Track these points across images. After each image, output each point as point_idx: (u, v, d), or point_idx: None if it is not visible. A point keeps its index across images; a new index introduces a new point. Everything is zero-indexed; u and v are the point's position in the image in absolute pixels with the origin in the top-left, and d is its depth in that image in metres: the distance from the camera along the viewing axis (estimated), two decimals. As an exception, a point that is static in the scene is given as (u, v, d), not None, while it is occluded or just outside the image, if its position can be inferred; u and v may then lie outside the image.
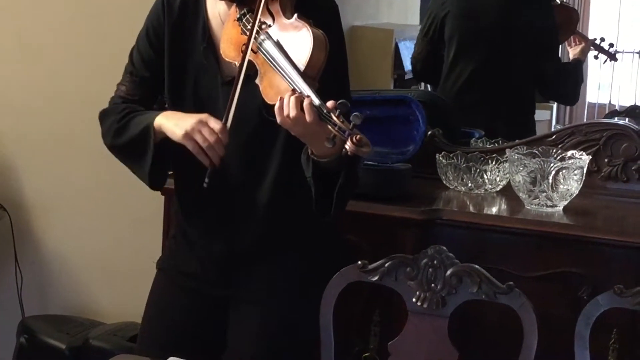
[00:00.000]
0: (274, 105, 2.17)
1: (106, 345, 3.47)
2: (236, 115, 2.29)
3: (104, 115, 2.50)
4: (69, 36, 3.79)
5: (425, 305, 2.33)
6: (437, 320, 2.32)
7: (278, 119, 2.13)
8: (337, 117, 2.00)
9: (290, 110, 2.09)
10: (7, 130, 3.91)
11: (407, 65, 4.10)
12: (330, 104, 2.03)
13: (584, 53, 3.93)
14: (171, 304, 2.53)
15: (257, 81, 2.23)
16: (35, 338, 3.61)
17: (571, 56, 3.95)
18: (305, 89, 2.09)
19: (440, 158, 3.24)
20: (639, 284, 2.26)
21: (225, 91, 2.34)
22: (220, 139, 2.25)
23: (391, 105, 3.40)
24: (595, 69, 4.13)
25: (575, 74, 3.91)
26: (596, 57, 3.97)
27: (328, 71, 2.18)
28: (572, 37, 3.95)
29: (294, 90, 2.11)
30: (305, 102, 2.07)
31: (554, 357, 2.52)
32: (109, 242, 3.84)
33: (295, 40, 2.17)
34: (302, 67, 2.13)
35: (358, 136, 1.97)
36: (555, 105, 4.20)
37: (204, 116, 2.28)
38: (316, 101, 2.06)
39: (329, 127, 2.01)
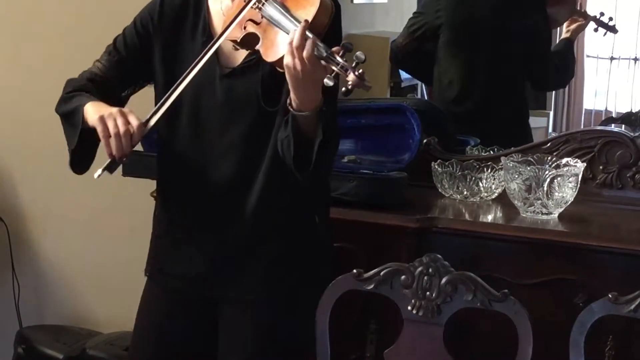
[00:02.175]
0: (273, 93, 2.21)
1: (103, 354, 3.47)
2: (234, 107, 2.35)
3: (66, 84, 2.52)
4: (67, 46, 3.80)
5: (420, 314, 2.33)
6: (433, 328, 2.32)
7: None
8: (341, 56, 2.05)
9: (295, 42, 2.11)
10: (3, 139, 3.91)
11: (404, 73, 4.10)
12: (335, 48, 2.07)
13: (577, 32, 3.91)
14: (160, 312, 2.53)
15: (258, 47, 2.25)
16: (32, 348, 3.61)
17: (564, 32, 3.93)
18: (311, 35, 2.11)
19: (436, 166, 3.24)
20: (634, 291, 2.26)
21: (223, 84, 2.36)
22: (131, 132, 2.25)
23: (386, 113, 3.41)
24: (592, 75, 4.14)
25: (566, 58, 3.90)
26: (596, 30, 3.95)
27: None
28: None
29: None
30: (309, 40, 2.10)
31: (549, 365, 2.53)
32: (106, 252, 3.84)
33: (302, 1, 2.21)
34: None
35: (360, 70, 2.02)
36: (551, 112, 4.21)
37: (128, 110, 2.30)
38: (319, 43, 2.09)
39: (332, 66, 2.05)
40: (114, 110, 2.29)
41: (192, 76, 2.30)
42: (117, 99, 2.49)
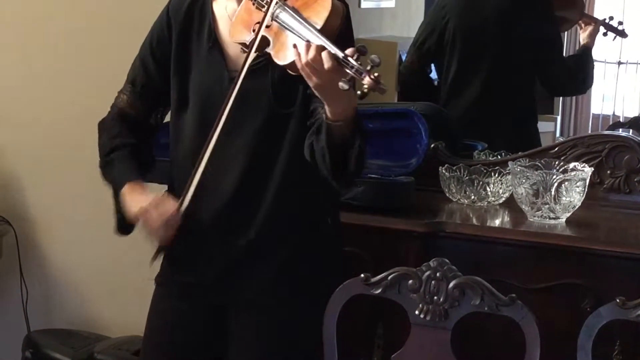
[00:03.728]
0: (285, 94, 2.23)
1: (111, 359, 3.47)
2: (243, 110, 2.34)
3: (101, 129, 2.58)
4: (72, 49, 3.81)
5: (428, 318, 2.33)
6: (440, 332, 2.32)
7: (298, 65, 2.14)
8: (356, 60, 2.04)
9: (309, 55, 2.10)
10: (11, 144, 3.92)
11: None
12: (349, 51, 2.06)
13: (592, 37, 3.91)
14: (170, 318, 2.53)
15: (268, 49, 2.25)
16: (40, 352, 3.61)
17: (581, 40, 3.94)
18: (322, 40, 2.11)
19: (443, 171, 3.25)
20: (642, 295, 2.27)
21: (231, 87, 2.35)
22: (169, 222, 2.35)
23: (394, 118, 3.41)
24: (600, 79, 4.13)
25: (583, 64, 3.90)
26: (605, 34, 3.96)
27: None
28: (580, 21, 3.95)
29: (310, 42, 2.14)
30: (324, 51, 2.09)
31: (557, 369, 2.53)
32: (114, 256, 3.84)
33: (313, 4, 2.20)
34: (318, 26, 2.16)
35: (376, 73, 2.01)
36: (559, 117, 4.21)
37: (160, 197, 2.39)
38: (333, 49, 2.08)
39: (347, 69, 2.04)
40: (146, 202, 2.37)
41: (218, 134, 2.33)
42: (148, 131, 2.57)
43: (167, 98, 2.52)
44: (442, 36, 3.79)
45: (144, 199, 2.40)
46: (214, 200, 2.42)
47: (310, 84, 2.15)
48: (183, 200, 2.37)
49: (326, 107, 2.18)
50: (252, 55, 2.28)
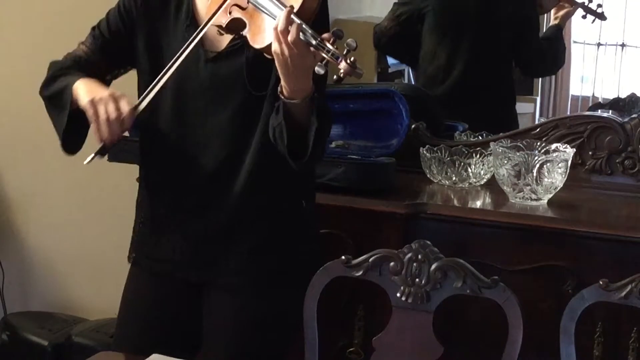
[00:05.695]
0: (259, 77, 2.20)
1: (89, 341, 3.45)
2: (219, 91, 2.32)
3: (51, 67, 2.49)
4: (48, 33, 3.77)
5: (409, 300, 2.32)
6: (422, 315, 2.31)
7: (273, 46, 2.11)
8: (332, 44, 2.03)
9: (279, 24, 2.08)
10: (-13, 126, 3.89)
11: (391, 59, 4.09)
12: (325, 35, 2.05)
13: (565, 18, 3.89)
14: (145, 297, 2.51)
15: (244, 32, 2.23)
16: (17, 335, 3.59)
17: (552, 19, 3.92)
18: (298, 22, 2.08)
19: (424, 152, 3.23)
20: (624, 277, 2.25)
21: (208, 68, 2.34)
22: (122, 119, 2.23)
23: (374, 98, 3.40)
24: (579, 61, 4.12)
25: (554, 45, 3.89)
26: (584, 17, 3.93)
27: None
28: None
29: None
30: (293, 24, 2.07)
31: (539, 351, 2.52)
32: (91, 238, 3.82)
33: None
34: (295, 8, 2.12)
35: (352, 58, 2.00)
36: (538, 98, 4.20)
37: (119, 94, 2.27)
38: (309, 32, 2.06)
39: (322, 53, 2.03)
40: (105, 94, 2.25)
41: (179, 64, 2.28)
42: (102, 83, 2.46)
43: (125, 62, 2.48)
44: (421, 14, 3.76)
45: (101, 90, 2.28)
46: (188, 181, 2.40)
47: (278, 63, 2.13)
48: (140, 103, 2.27)
49: (283, 83, 2.17)
50: (218, 15, 2.24)
